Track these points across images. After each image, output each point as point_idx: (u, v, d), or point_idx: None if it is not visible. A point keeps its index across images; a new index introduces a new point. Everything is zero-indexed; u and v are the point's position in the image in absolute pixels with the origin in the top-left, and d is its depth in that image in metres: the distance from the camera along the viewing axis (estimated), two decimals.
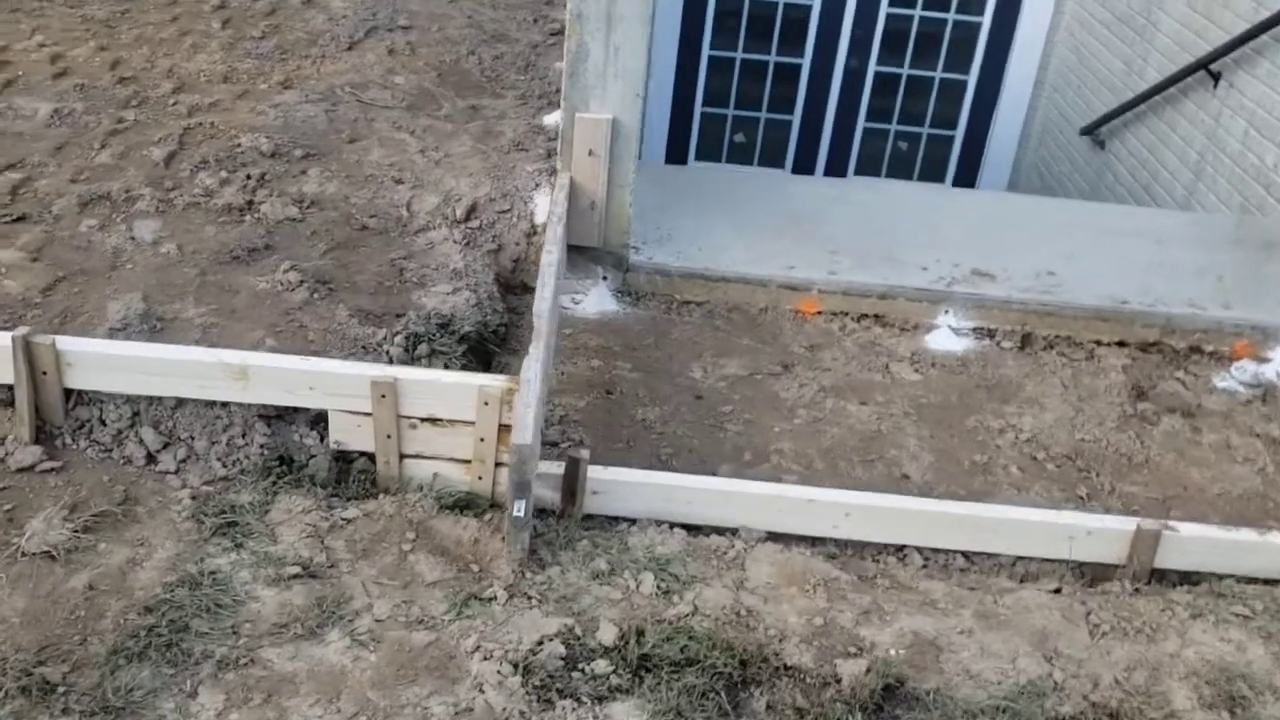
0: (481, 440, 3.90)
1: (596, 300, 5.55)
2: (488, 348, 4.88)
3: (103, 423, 3.86)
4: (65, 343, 3.74)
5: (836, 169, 10.91)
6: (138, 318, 4.26)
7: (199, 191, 5.26)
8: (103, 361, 3.77)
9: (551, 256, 4.58)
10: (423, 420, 3.91)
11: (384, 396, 3.83)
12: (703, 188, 6.38)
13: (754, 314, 5.59)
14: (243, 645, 3.16)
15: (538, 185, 5.78)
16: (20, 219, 4.89)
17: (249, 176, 5.44)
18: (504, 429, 3.89)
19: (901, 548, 4.15)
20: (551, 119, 6.53)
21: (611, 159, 5.26)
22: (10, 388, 3.81)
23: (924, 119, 10.80)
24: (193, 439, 3.89)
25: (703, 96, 10.74)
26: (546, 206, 5.62)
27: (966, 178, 11.11)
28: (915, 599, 3.78)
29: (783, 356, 5.29)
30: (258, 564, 3.43)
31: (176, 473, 3.81)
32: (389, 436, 3.90)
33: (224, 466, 3.85)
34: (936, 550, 4.15)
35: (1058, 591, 3.91)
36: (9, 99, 5.96)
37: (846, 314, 5.62)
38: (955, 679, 3.43)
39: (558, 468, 3.97)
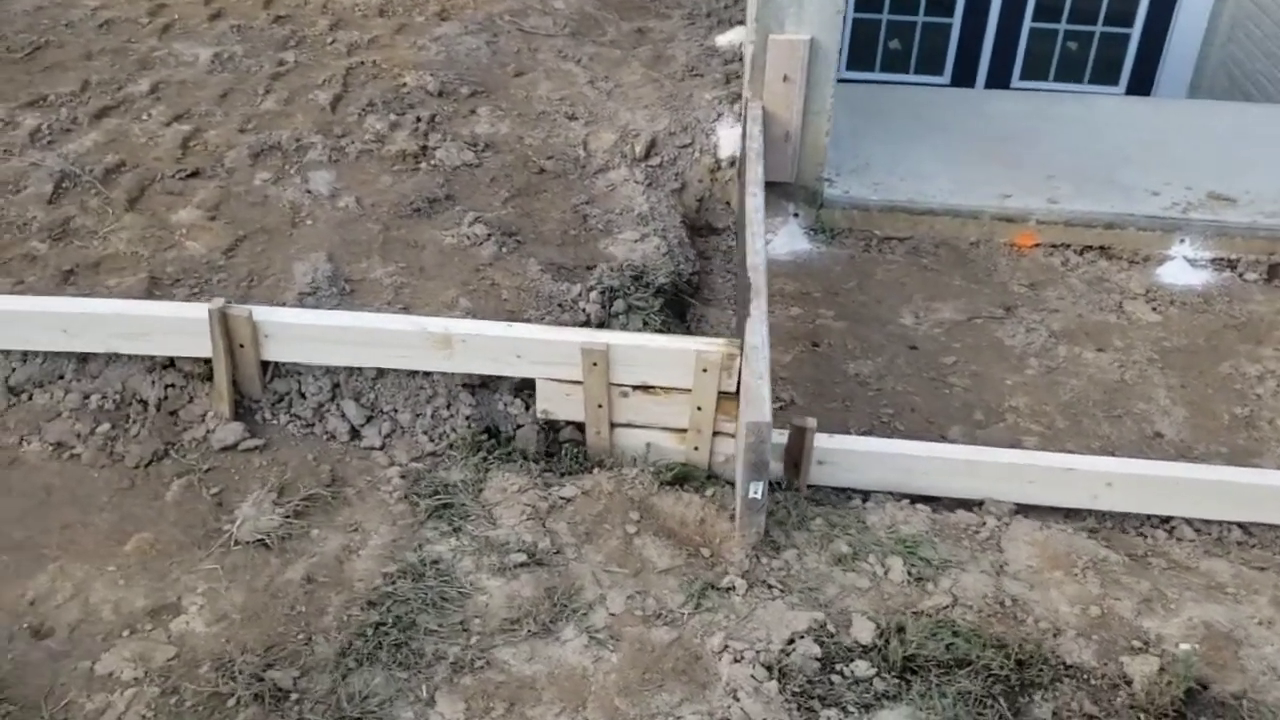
0: (699, 409, 3.57)
1: (787, 239, 5.13)
2: (682, 299, 4.53)
3: (302, 395, 3.66)
4: (262, 313, 3.52)
5: (1000, 75, 10.14)
6: (326, 280, 4.03)
7: (370, 137, 4.99)
8: (301, 332, 3.54)
9: (757, 200, 4.17)
10: (635, 388, 3.59)
11: (595, 365, 3.52)
12: (893, 108, 5.85)
13: (963, 249, 5.11)
14: (475, 645, 2.92)
15: (719, 115, 5.35)
16: (194, 174, 4.69)
17: (419, 119, 5.15)
18: (723, 396, 3.55)
19: (1167, 519, 3.70)
20: (725, 39, 6.07)
21: (809, 84, 4.78)
22: (207, 361, 3.62)
23: (1096, 16, 9.91)
24: (396, 411, 3.65)
25: (854, 1, 10.04)
26: (730, 139, 5.20)
27: (1143, 79, 10.21)
28: (1198, 582, 3.35)
29: (1002, 297, 4.81)
30: (480, 550, 3.18)
31: (382, 449, 3.58)
32: (600, 406, 3.60)
33: (431, 441, 3.61)
34: (1208, 521, 3.68)
35: None
36: (168, 44, 5.76)
37: (1068, 246, 5.09)
38: (1262, 679, 3.01)
39: (780, 436, 3.62)
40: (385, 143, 4.96)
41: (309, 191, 4.62)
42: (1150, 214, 5.03)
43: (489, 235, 4.35)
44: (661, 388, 3.59)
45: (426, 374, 3.68)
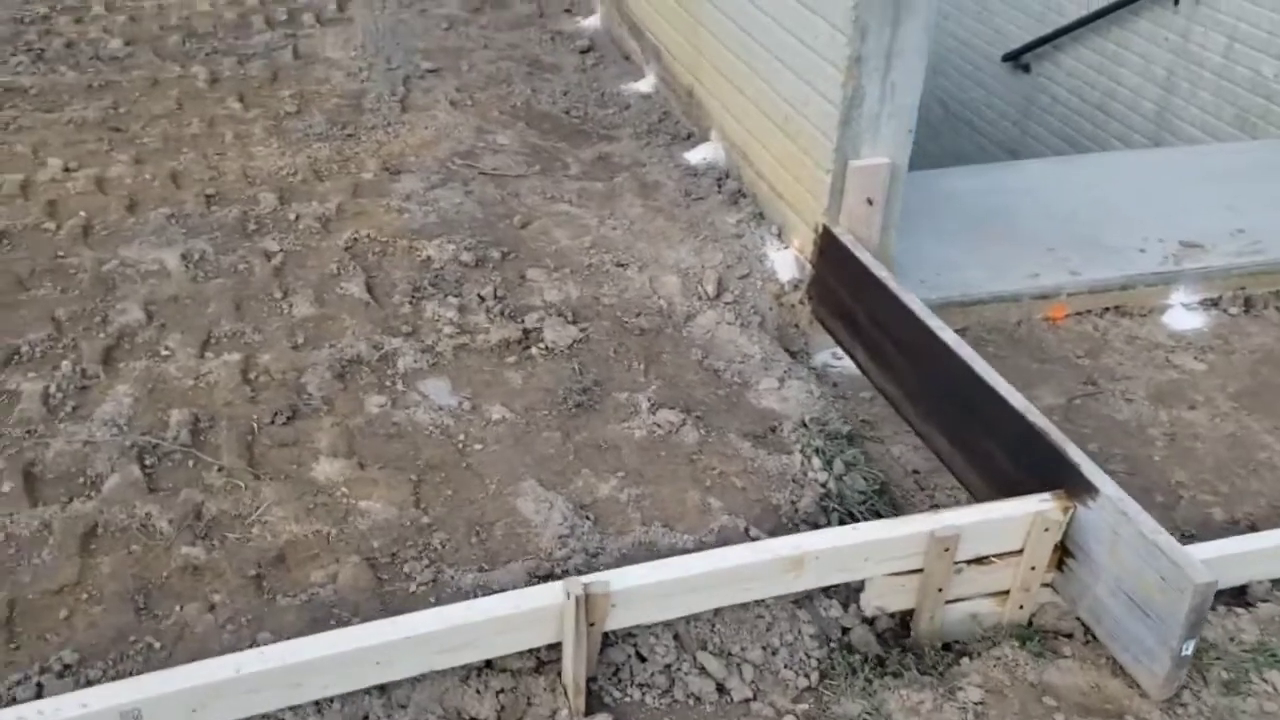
0: (1032, 569, 3.52)
1: None
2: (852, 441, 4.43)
3: (641, 659, 3.20)
4: (618, 581, 3.03)
5: None
6: (576, 515, 3.56)
7: (450, 330, 4.44)
8: (650, 591, 3.10)
9: (948, 333, 4.17)
10: (969, 563, 3.48)
11: (947, 550, 3.37)
12: None
13: (1009, 330, 5.37)
14: None
15: (762, 239, 5.28)
16: (292, 416, 3.96)
17: (481, 298, 4.66)
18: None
19: None
20: (698, 156, 5.98)
21: (886, 203, 4.84)
22: (533, 650, 3.08)
23: None
24: (744, 650, 3.29)
25: None
26: (784, 262, 5.16)
27: None
28: None
29: (1075, 372, 5.11)
30: None
31: (755, 698, 3.21)
32: (940, 590, 3.45)
33: (796, 674, 3.28)
34: None
35: None
36: (110, 252, 4.81)
37: (1089, 311, 5.51)
38: None
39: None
40: (473, 333, 4.44)
41: (440, 408, 4.04)
42: (1153, 270, 5.55)
43: (683, 421, 4.03)
44: (995, 556, 3.51)
45: (758, 600, 3.36)
